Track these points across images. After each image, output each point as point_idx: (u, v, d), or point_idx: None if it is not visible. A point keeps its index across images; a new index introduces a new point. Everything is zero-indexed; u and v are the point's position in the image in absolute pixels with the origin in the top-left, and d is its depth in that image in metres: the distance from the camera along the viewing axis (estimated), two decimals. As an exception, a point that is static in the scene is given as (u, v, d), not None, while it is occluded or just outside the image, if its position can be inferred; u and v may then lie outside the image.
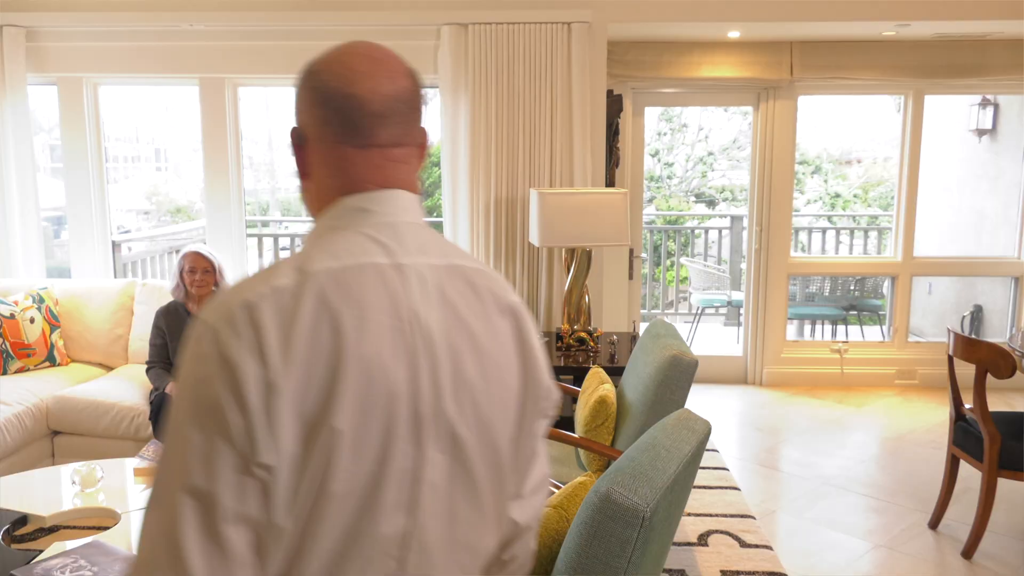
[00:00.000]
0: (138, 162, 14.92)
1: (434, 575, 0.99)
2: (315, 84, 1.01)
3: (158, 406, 3.56)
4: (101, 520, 2.65)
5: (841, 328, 6.78)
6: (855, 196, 10.58)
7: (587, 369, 3.75)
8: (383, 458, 0.92)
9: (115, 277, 4.99)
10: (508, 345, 1.04)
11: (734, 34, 4.89)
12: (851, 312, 6.66)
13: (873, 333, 6.74)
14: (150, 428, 3.61)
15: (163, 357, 3.75)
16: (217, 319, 0.90)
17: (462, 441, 0.98)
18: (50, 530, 3.04)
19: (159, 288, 4.29)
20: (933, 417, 4.94)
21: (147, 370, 3.78)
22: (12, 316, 4.10)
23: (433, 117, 4.60)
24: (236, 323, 0.88)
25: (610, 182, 5.00)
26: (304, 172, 1.06)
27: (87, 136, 4.77)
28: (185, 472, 0.85)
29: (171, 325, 3.74)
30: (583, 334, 4.11)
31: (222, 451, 0.85)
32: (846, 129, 10.36)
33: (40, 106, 4.98)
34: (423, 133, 1.08)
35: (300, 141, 1.04)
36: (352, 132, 1.00)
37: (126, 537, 2.44)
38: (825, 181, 10.67)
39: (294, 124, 1.05)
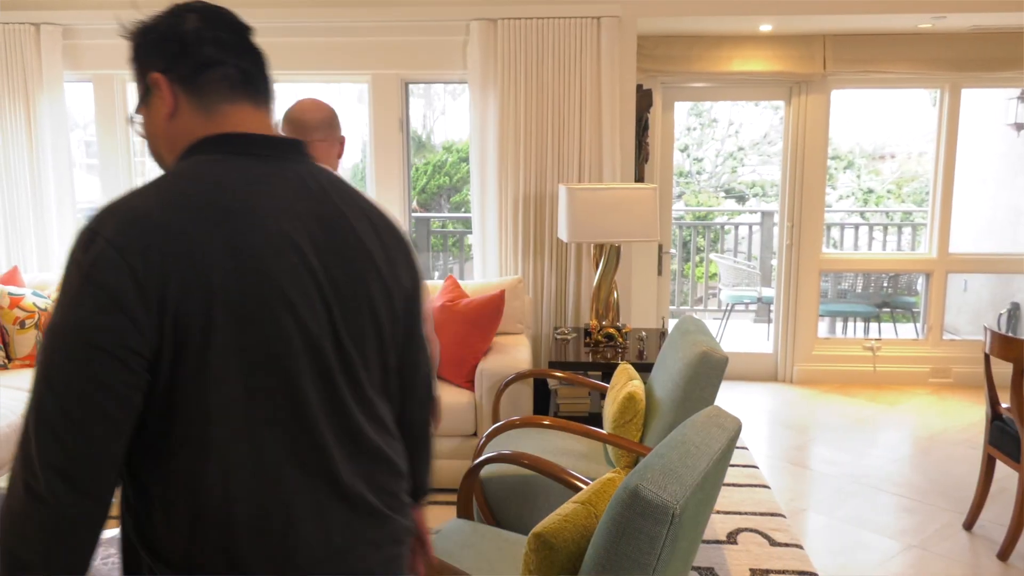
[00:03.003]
0: (171, 158, 15.12)
1: None
2: (288, 110, 2.27)
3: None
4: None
5: (874, 325, 6.68)
6: (888, 192, 10.43)
7: (615, 365, 3.74)
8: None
9: (149, 271, 5.07)
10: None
11: (766, 27, 4.84)
12: (884, 309, 6.56)
13: (907, 331, 6.64)
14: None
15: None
16: None
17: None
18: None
19: (191, 282, 4.35)
20: (968, 416, 4.86)
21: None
22: (49, 309, 4.18)
23: (462, 112, 4.60)
24: None
25: (639, 177, 4.98)
26: None
27: (122, 132, 4.85)
28: None
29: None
30: (611, 330, 4.10)
31: None
32: (880, 124, 10.21)
33: (76, 103, 5.07)
34: (340, 137, 2.31)
35: None
36: (303, 133, 2.22)
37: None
38: (858, 176, 10.53)
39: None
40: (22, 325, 4.10)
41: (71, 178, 4.81)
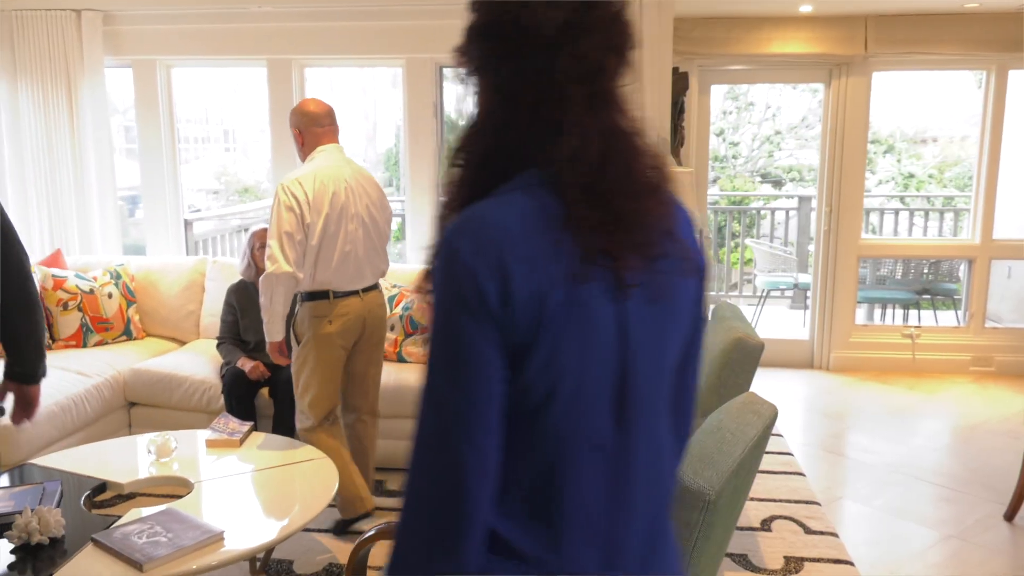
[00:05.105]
0: (208, 143, 15.28)
1: (363, 268, 3.13)
2: (299, 107, 3.18)
3: (230, 381, 3.66)
4: (175, 488, 2.74)
5: (913, 312, 6.56)
6: (930, 176, 10.20)
7: (649, 351, 3.72)
8: (338, 227, 3.04)
9: (187, 254, 5.14)
10: (381, 196, 3.22)
11: (806, 8, 4.74)
12: (924, 296, 6.44)
13: (947, 318, 6.51)
14: (221, 401, 3.72)
15: (233, 333, 3.85)
16: (282, 186, 3.04)
17: (366, 223, 3.12)
18: (127, 497, 3.16)
19: (229, 266, 4.40)
20: (1011, 406, 4.76)
21: (218, 345, 3.89)
22: (91, 291, 4.27)
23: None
24: (295, 184, 3.01)
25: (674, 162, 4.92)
26: (300, 143, 3.17)
27: (160, 117, 4.91)
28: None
29: (241, 302, 3.83)
30: (645, 315, 4.07)
31: (291, 218, 3.01)
32: (922, 107, 9.97)
33: (115, 88, 5.14)
34: (337, 126, 3.17)
35: (298, 131, 3.15)
36: (315, 123, 3.12)
37: (198, 505, 2.53)
38: (898, 161, 10.31)
39: (295, 126, 3.16)
40: (65, 307, 4.19)
41: (112, 163, 4.89)
